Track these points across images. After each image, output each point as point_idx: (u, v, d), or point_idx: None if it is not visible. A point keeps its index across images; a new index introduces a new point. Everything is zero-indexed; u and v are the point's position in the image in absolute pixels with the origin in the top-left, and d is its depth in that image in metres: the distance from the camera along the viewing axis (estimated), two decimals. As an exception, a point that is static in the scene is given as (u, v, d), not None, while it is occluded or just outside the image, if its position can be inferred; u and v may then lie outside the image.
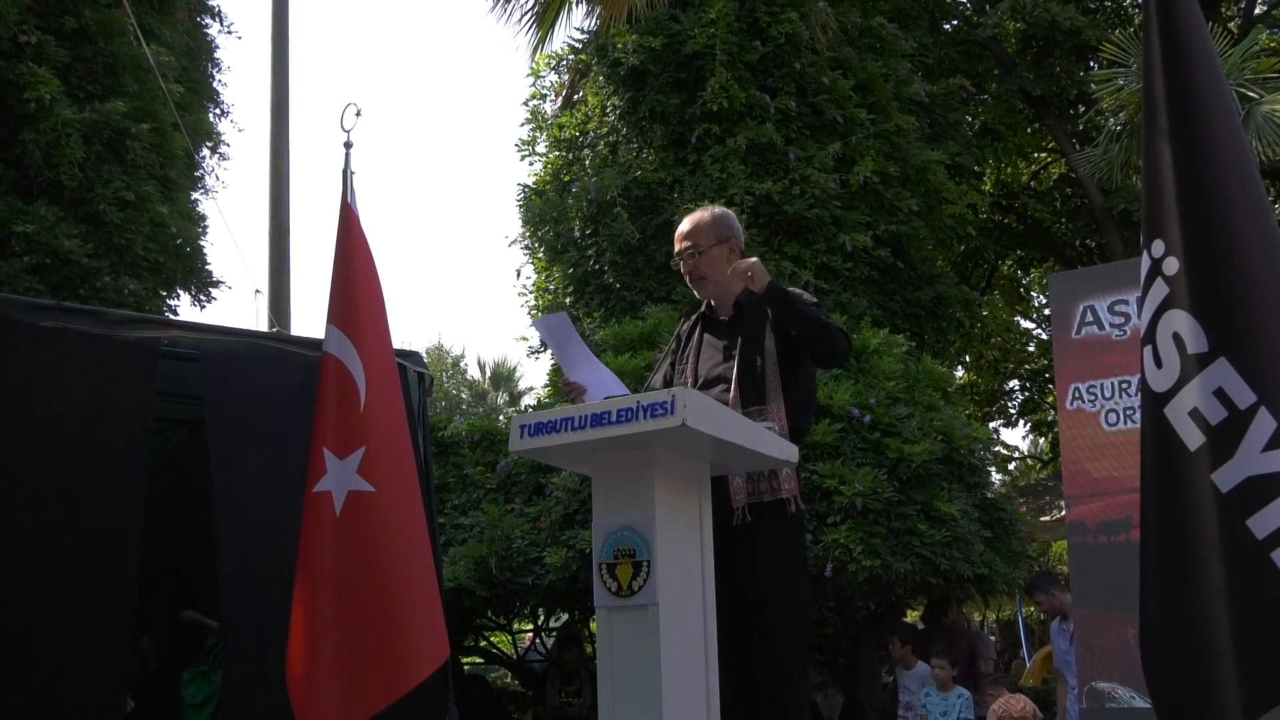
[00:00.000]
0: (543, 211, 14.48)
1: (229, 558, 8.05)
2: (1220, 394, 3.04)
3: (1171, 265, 3.16)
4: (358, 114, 5.25)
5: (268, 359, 8.62)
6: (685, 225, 4.67)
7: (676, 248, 4.67)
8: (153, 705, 8.66)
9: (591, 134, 14.62)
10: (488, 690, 12.05)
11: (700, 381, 4.54)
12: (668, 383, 4.71)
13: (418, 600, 4.90)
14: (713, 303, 4.65)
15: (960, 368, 21.31)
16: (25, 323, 7.46)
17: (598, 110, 14.50)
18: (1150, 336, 3.19)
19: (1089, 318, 8.58)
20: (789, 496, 4.29)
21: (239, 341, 8.78)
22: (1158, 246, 3.20)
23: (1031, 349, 21.88)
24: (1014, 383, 22.97)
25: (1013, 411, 23.37)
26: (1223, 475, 3.01)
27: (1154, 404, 3.16)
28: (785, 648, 4.26)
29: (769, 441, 4.06)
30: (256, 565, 7.88)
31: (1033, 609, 18.91)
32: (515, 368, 44.42)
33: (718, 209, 4.73)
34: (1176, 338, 3.13)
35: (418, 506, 5.06)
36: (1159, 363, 3.16)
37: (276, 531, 7.34)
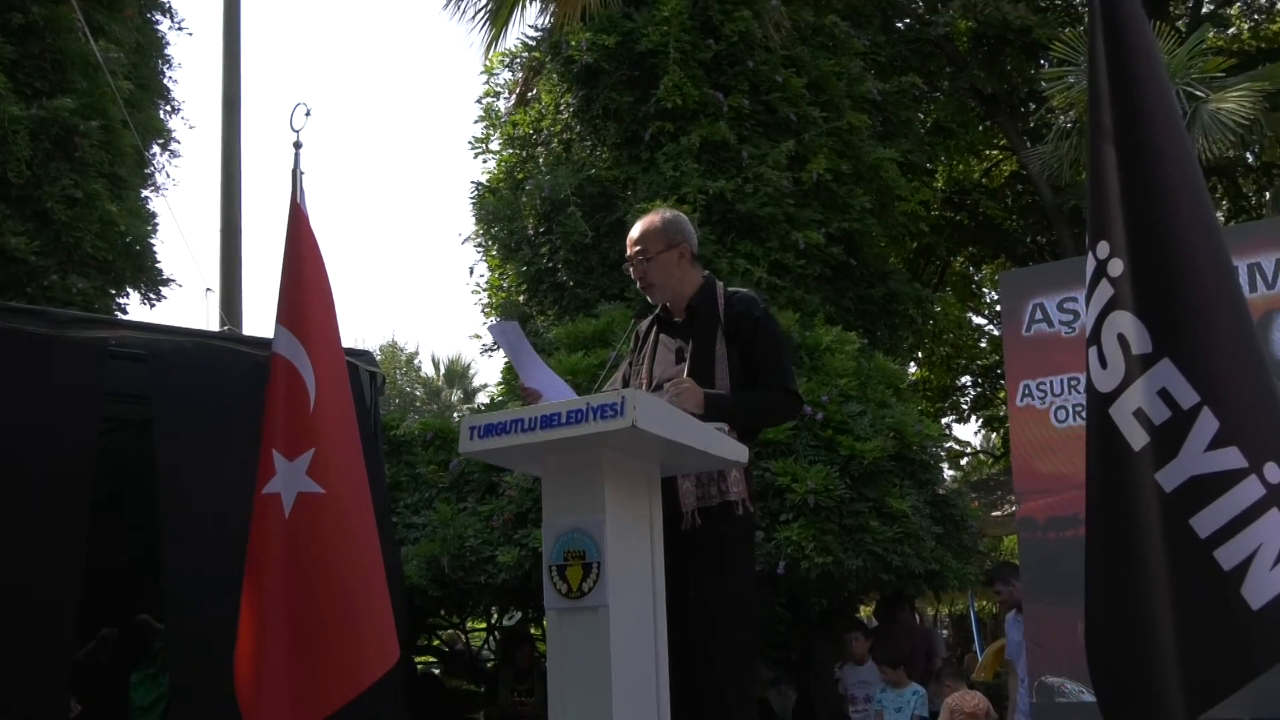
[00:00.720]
0: (496, 209, 14.45)
1: (174, 560, 7.99)
2: (1164, 394, 3.06)
3: (1116, 267, 3.18)
4: (307, 114, 5.22)
5: (217, 359, 8.56)
6: (635, 231, 4.64)
7: (627, 252, 4.66)
8: (101, 707, 8.59)
9: (545, 131, 14.61)
10: (440, 690, 11.99)
11: (654, 383, 4.53)
12: (626, 383, 4.70)
13: (367, 603, 4.87)
14: (668, 305, 4.64)
15: (913, 364, 21.42)
16: (-32, 323, 7.38)
17: (551, 108, 14.48)
18: (1095, 337, 3.21)
19: (1038, 315, 8.65)
20: (738, 499, 4.28)
21: (188, 341, 8.71)
22: (1103, 248, 3.22)
23: (983, 345, 22.05)
24: (966, 378, 23.15)
25: (965, 407, 23.55)
26: (1166, 475, 3.03)
27: (1099, 404, 3.18)
28: (732, 652, 4.25)
29: (719, 442, 4.05)
30: (202, 567, 7.82)
31: (984, 603, 19.05)
32: (469, 365, 44.28)
33: (669, 213, 4.70)
34: (1121, 339, 3.15)
35: (368, 508, 5.03)
36: (1104, 363, 3.18)
37: (224, 533, 7.29)
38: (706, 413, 4.27)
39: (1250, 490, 2.98)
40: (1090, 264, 3.24)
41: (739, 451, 4.12)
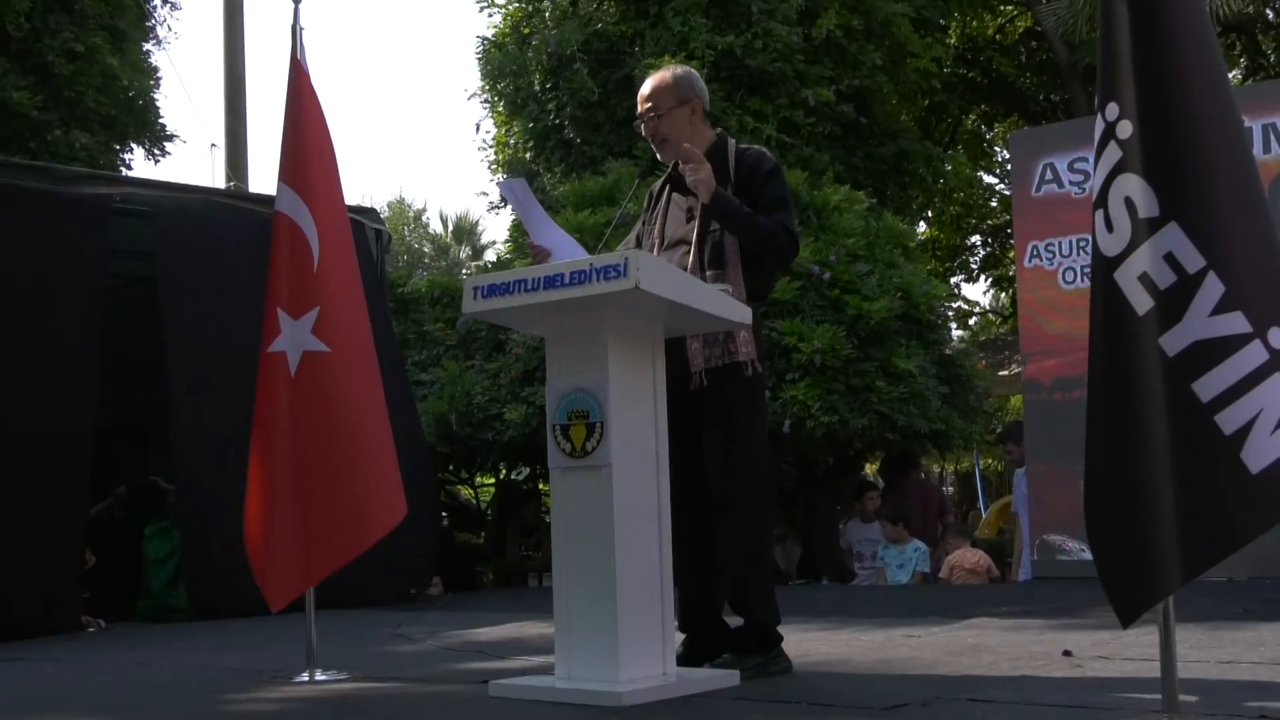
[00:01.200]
0: (502, 65, 14.27)
1: (182, 416, 8.08)
2: (1170, 258, 3.03)
3: (1125, 129, 3.13)
4: (305, -33, 5.11)
5: (223, 216, 8.57)
6: (647, 87, 4.58)
7: (639, 109, 4.60)
8: (116, 559, 8.73)
9: (552, -16, 14.36)
10: (452, 542, 12.15)
11: (665, 242, 4.51)
12: (639, 243, 4.67)
13: (374, 460, 4.90)
14: (680, 163, 4.60)
15: (922, 223, 21.30)
16: (-31, 180, 7.36)
17: (558, -39, 14.23)
18: (1102, 200, 3.17)
19: (1048, 175, 8.58)
20: (746, 360, 4.27)
21: (194, 198, 8.71)
22: (1112, 110, 3.16)
23: (994, 204, 21.86)
24: (976, 238, 23.00)
25: (974, 267, 23.43)
26: (1170, 339, 3.01)
27: (1104, 268, 3.15)
28: (747, 509, 4.29)
29: (723, 304, 4.04)
30: (210, 423, 7.92)
31: (990, 461, 19.18)
32: (477, 221, 44.08)
33: (680, 69, 4.63)
34: (1128, 202, 3.11)
35: (373, 367, 5.03)
36: (1110, 227, 3.14)
37: (231, 390, 7.35)
38: (713, 204, 4.25)
39: (1254, 355, 2.96)
40: (1099, 126, 3.18)
41: (742, 313, 4.11)
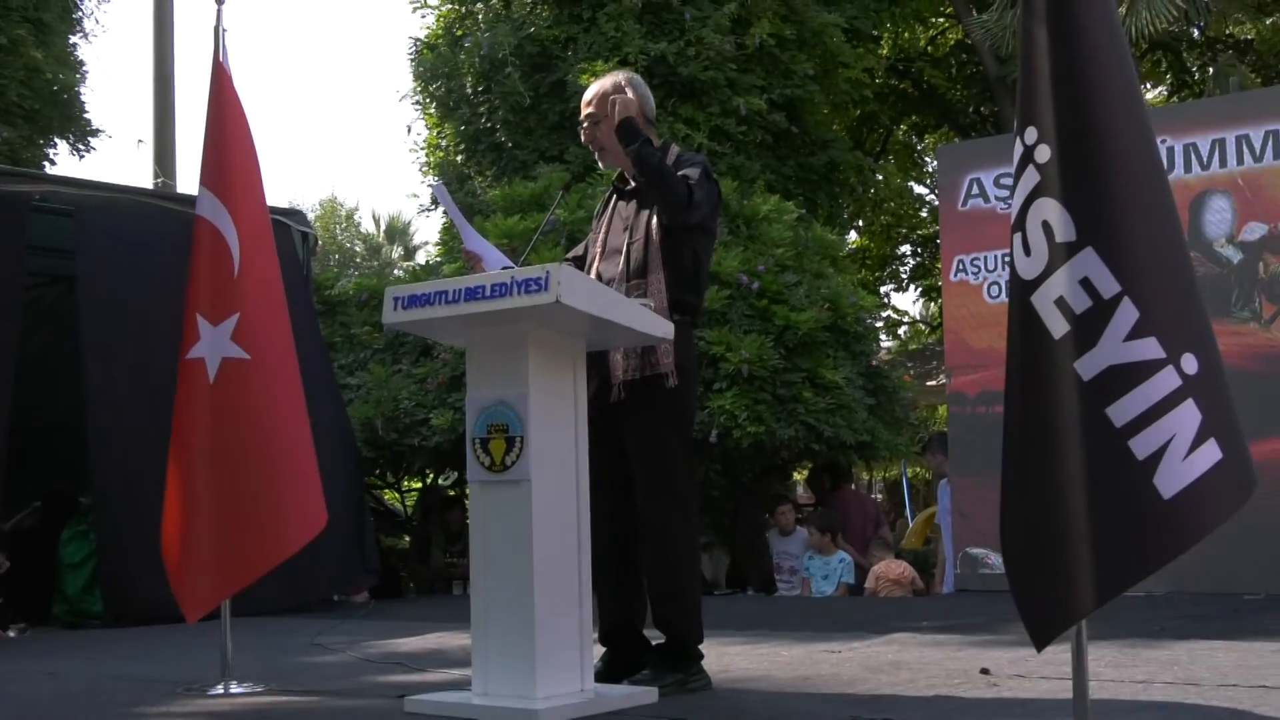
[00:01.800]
0: (434, 67, 14.19)
1: (99, 419, 7.95)
2: (1085, 283, 3.04)
3: (1044, 153, 3.15)
4: (228, -32, 5.04)
5: (147, 216, 8.44)
6: (589, 93, 4.56)
7: (581, 114, 4.58)
8: (30, 564, 8.58)
9: (485, -14, 14.29)
10: (377, 545, 12.04)
11: (605, 251, 4.49)
12: (586, 251, 4.65)
13: (294, 468, 4.85)
14: (624, 172, 4.58)
15: (853, 232, 21.41)
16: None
17: (492, -38, 14.16)
18: (1020, 224, 3.18)
19: (975, 190, 8.64)
20: (666, 371, 4.25)
21: (117, 197, 8.57)
22: (1030, 133, 3.17)
23: (924, 214, 22.04)
24: (906, 248, 23.17)
25: (904, 276, 23.60)
26: (1085, 364, 3.03)
27: (1021, 291, 3.17)
28: (671, 524, 4.26)
29: (644, 319, 4.02)
30: (128, 426, 7.79)
31: (918, 470, 19.30)
32: (410, 222, 43.80)
33: (623, 75, 4.60)
34: (1046, 226, 3.12)
35: (294, 373, 4.97)
36: (1027, 250, 3.16)
37: (150, 393, 7.25)
38: (620, 130, 4.24)
39: (1166, 381, 2.98)
40: (1018, 149, 3.20)
41: (663, 328, 4.09)
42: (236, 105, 5.08)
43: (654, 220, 4.37)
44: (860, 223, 21.12)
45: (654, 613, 4.36)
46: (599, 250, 4.54)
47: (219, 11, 5.07)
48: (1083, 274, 3.05)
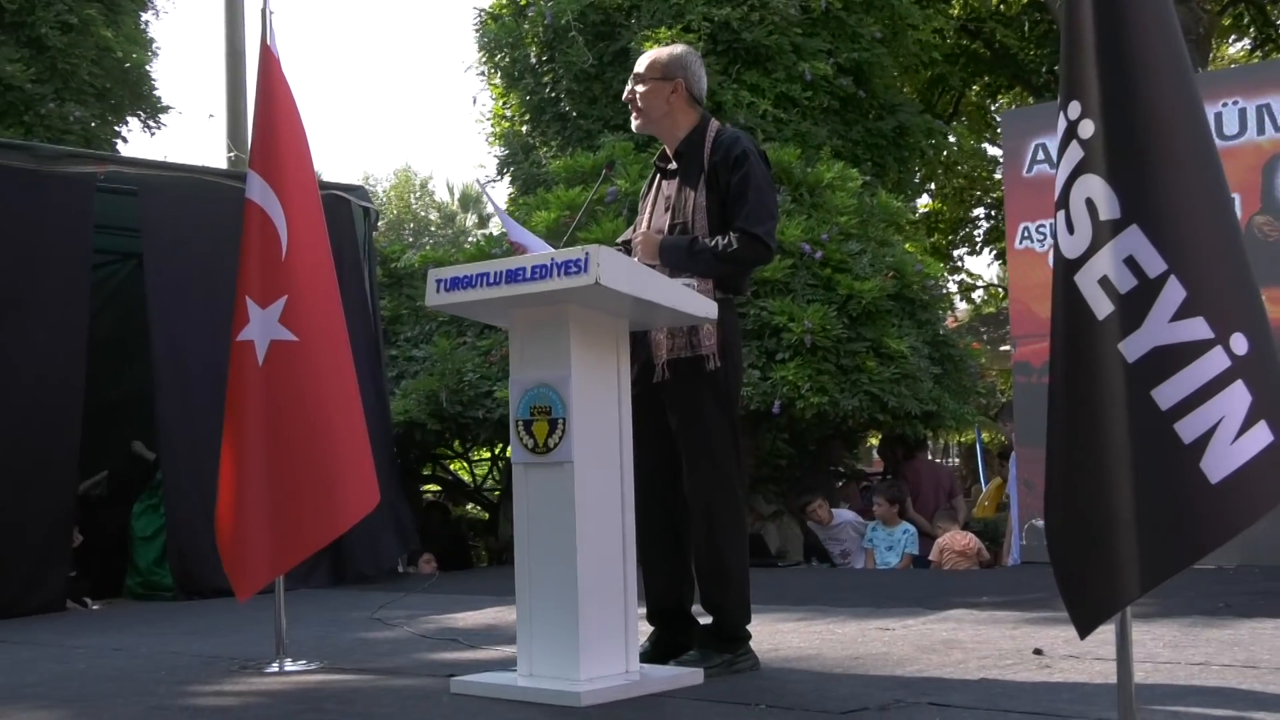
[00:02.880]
0: (499, 36, 14.14)
1: (167, 395, 8.06)
2: (1130, 262, 2.96)
3: (1087, 128, 3.06)
4: (276, -51, 5.04)
5: (210, 194, 8.51)
6: (642, 57, 4.58)
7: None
8: (102, 536, 8.73)
9: (549, -46, 14.20)
10: (447, 517, 12.14)
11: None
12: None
13: (344, 449, 4.87)
14: (666, 150, 4.55)
15: (925, 196, 21.17)
16: (-48, 160, 7.33)
17: (555, -69, 14.07)
18: (1064, 201, 3.10)
19: (1040, 155, 8.48)
20: (708, 353, 4.21)
21: (180, 176, 8.66)
22: (1074, 108, 3.09)
23: (998, 177, 21.70)
24: (980, 211, 22.85)
25: (978, 240, 23.30)
26: (1130, 345, 2.95)
27: (1065, 271, 3.09)
28: (717, 505, 4.23)
29: (687, 299, 3.99)
30: (195, 403, 7.89)
31: (993, 436, 19.09)
32: (481, 192, 43.98)
33: (679, 48, 4.57)
34: (1089, 203, 3.04)
35: (344, 355, 4.99)
36: (1071, 228, 3.08)
37: (215, 370, 7.30)
38: (663, 261, 4.21)
39: (1215, 362, 2.90)
40: (1061, 124, 3.12)
41: (706, 308, 4.05)
42: (285, 88, 5.08)
43: (697, 199, 4.34)
44: (932, 186, 20.87)
45: (701, 593, 4.33)
46: (643, 228, 4.52)
47: (266, -4, 5.07)
48: (1128, 252, 2.97)
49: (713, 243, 4.23)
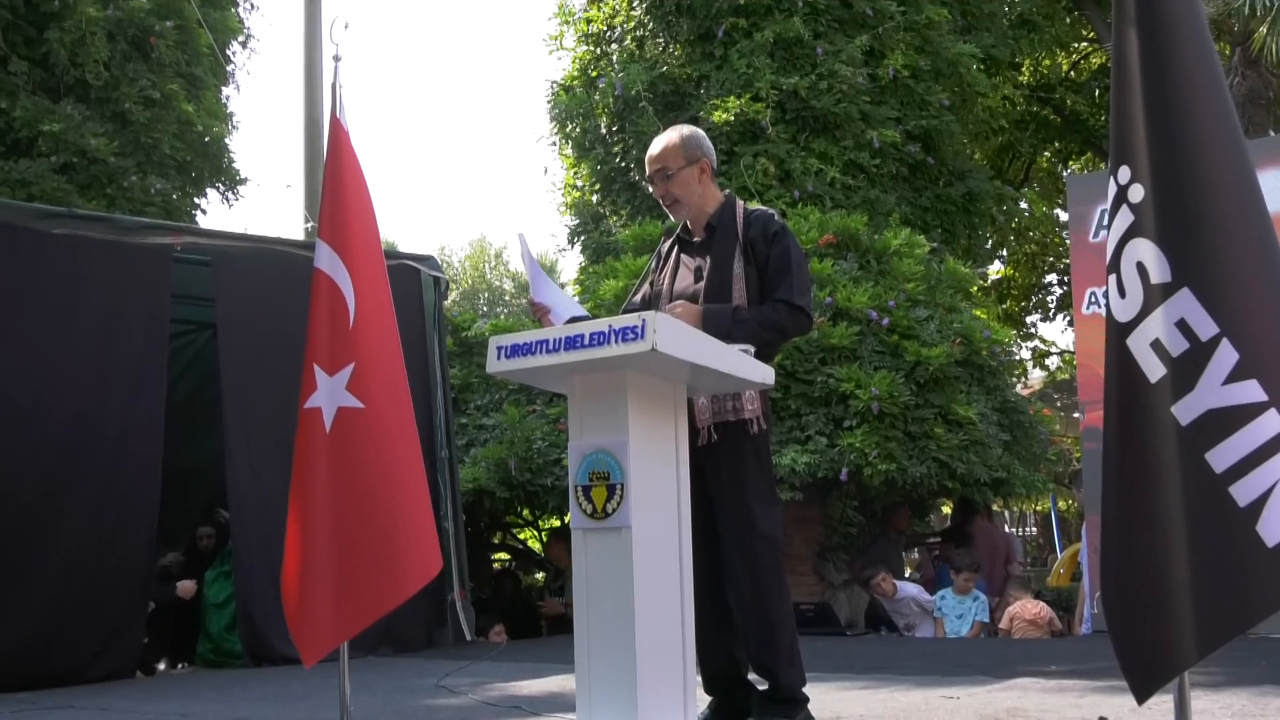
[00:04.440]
0: (570, 107, 14.35)
1: (237, 462, 8.18)
2: (1182, 325, 2.97)
3: (1137, 193, 3.08)
4: (346, 27, 5.17)
5: (282, 264, 8.66)
6: (654, 148, 4.57)
7: (648, 171, 4.61)
8: (177, 603, 8.84)
9: (619, 28, 14.42)
10: (518, 586, 12.17)
11: (674, 299, 4.50)
12: (646, 302, 4.66)
13: (408, 515, 4.91)
14: (688, 223, 4.60)
15: (997, 262, 21.08)
16: (36, 230, 7.52)
17: (625, 4, 14.29)
18: (1115, 265, 3.12)
19: (1106, 221, 8.43)
20: (751, 417, 4.26)
21: (254, 246, 8.83)
22: (1124, 173, 3.11)
23: (1070, 242, 21.58)
24: (1052, 277, 22.68)
25: (1051, 306, 23.13)
26: (1183, 408, 2.95)
27: (1117, 334, 3.10)
28: (761, 569, 4.25)
29: (743, 364, 4.02)
30: (264, 469, 8.00)
31: (1069, 503, 18.87)
32: (556, 260, 44.29)
33: (686, 129, 4.62)
34: (1140, 267, 3.06)
35: (409, 422, 5.05)
36: (1122, 292, 3.09)
37: (285, 437, 7.42)
38: (705, 328, 4.24)
39: (1269, 424, 2.90)
40: (1111, 189, 3.14)
41: (764, 373, 4.08)
42: (353, 160, 5.19)
43: (734, 269, 4.39)
44: (1004, 252, 20.79)
45: (751, 657, 4.34)
46: (664, 299, 4.55)
47: (335, 69, 5.20)
48: (1179, 315, 2.98)
49: (755, 312, 4.27)
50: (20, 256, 7.45)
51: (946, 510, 14.14)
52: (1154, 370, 3.01)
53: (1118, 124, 3.15)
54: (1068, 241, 21.67)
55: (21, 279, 7.44)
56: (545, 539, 12.64)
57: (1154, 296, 3.03)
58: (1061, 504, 18.28)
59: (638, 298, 4.75)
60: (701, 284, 4.43)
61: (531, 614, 11.63)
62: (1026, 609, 8.75)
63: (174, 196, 13.69)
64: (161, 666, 8.14)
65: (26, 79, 12.43)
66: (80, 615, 7.34)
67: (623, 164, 13.84)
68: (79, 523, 7.41)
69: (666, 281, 4.58)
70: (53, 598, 7.25)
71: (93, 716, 5.78)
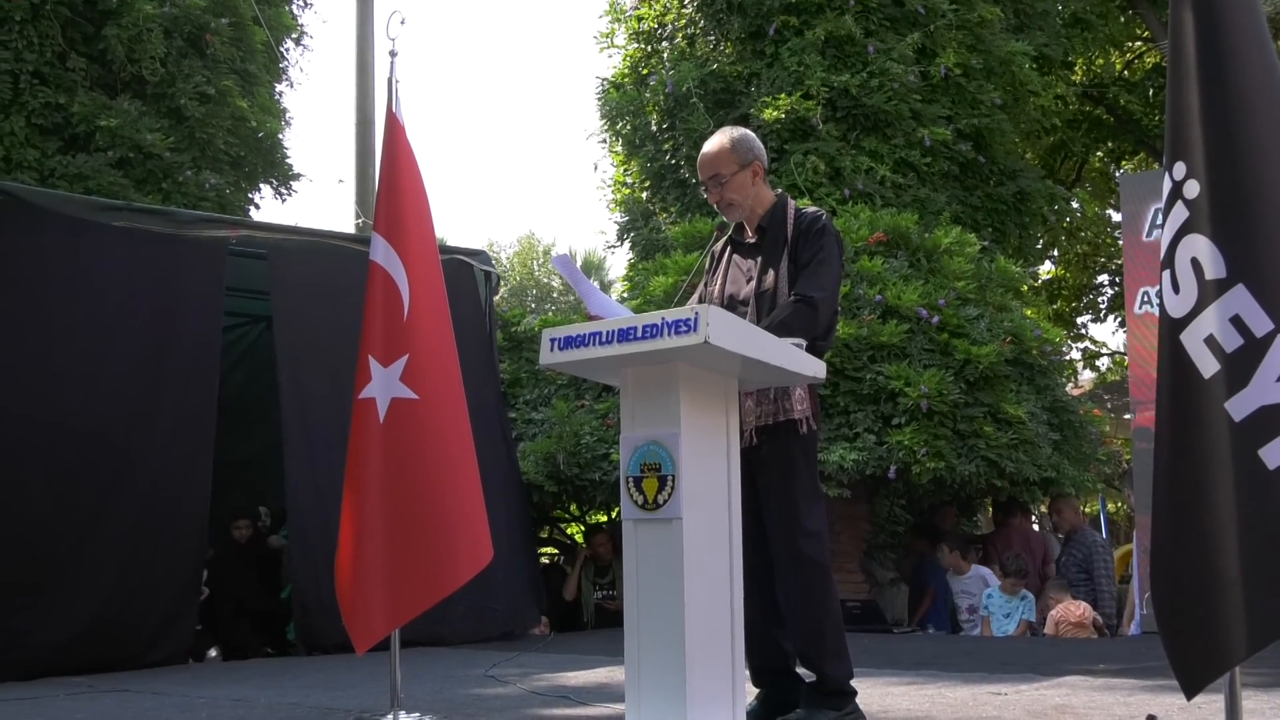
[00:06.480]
0: (620, 105, 14.37)
1: (294, 453, 8.27)
2: (1237, 321, 2.97)
3: (1192, 189, 3.09)
4: (402, 22, 5.23)
5: (336, 258, 8.76)
6: (706, 155, 4.57)
7: (700, 177, 4.63)
8: (226, 592, 8.95)
9: (670, 26, 14.43)
10: (562, 579, 12.20)
11: (725, 302, 4.53)
12: (701, 302, 4.69)
13: (461, 506, 4.98)
14: (742, 224, 4.62)
15: (1048, 262, 20.95)
16: (96, 222, 7.63)
17: (676, 2, 14.29)
18: (1169, 261, 3.12)
19: (1159, 220, 8.38)
20: (801, 417, 4.28)
21: (308, 240, 8.92)
22: (1179, 169, 3.12)
23: (1122, 243, 21.42)
24: (1104, 277, 22.52)
25: (1102, 306, 22.96)
26: (1236, 404, 2.95)
27: (1171, 330, 3.10)
28: (808, 564, 4.27)
29: (796, 358, 4.04)
30: (320, 460, 8.09)
31: (1118, 505, 18.73)
32: (605, 257, 44.37)
33: (737, 131, 4.62)
34: (1195, 263, 3.06)
35: (462, 413, 5.11)
36: (1176, 288, 3.09)
37: (340, 428, 7.50)
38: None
39: (1323, 421, 2.90)
40: (1166, 185, 3.14)
41: (815, 366, 4.10)
42: (409, 154, 5.25)
43: (780, 269, 4.40)
44: (1055, 252, 20.65)
45: (798, 650, 4.36)
46: (717, 299, 4.57)
47: (392, 65, 5.26)
48: (1234, 312, 2.99)
49: (773, 313, 4.29)
50: (82, 250, 7.56)
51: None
52: (1208, 366, 3.01)
53: (1173, 120, 3.16)
54: (1119, 242, 21.57)
55: (84, 271, 7.55)
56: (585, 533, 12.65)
57: (1208, 292, 3.03)
58: (1111, 506, 18.16)
59: (694, 299, 4.78)
60: (751, 285, 4.45)
61: (574, 608, 11.68)
62: (1070, 611, 8.68)
63: (228, 191, 13.81)
64: (213, 654, 8.22)
65: (84, 75, 12.58)
66: (134, 604, 7.45)
67: (673, 161, 13.85)
68: (133, 513, 7.52)
69: (719, 282, 4.61)
70: (108, 587, 7.36)
71: (146, 700, 5.87)
